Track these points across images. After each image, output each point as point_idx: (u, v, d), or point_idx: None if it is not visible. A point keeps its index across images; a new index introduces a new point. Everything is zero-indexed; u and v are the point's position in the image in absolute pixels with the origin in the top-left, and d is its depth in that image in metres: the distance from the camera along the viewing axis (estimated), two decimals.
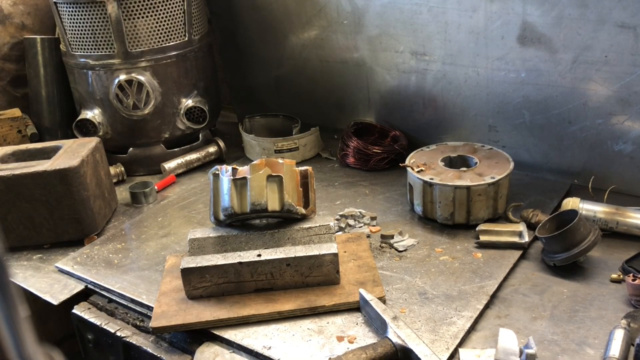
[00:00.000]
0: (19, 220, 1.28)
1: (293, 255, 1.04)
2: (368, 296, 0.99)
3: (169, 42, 1.51)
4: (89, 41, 1.47)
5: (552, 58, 1.31)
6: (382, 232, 1.24)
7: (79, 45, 1.51)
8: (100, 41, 1.46)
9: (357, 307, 1.02)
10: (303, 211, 1.08)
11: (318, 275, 1.05)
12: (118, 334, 1.09)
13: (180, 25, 1.52)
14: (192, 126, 1.61)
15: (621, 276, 1.05)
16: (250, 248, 1.08)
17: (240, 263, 1.03)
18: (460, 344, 0.92)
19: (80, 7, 1.42)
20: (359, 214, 1.32)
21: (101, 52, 1.48)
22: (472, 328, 0.97)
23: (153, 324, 1.00)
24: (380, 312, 0.95)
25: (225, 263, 1.03)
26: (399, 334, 0.91)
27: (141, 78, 1.49)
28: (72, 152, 1.32)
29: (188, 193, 1.52)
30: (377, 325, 0.97)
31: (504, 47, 1.36)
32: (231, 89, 1.96)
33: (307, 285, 1.06)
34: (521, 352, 0.85)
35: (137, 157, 1.63)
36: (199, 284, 1.04)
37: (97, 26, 1.44)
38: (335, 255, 1.04)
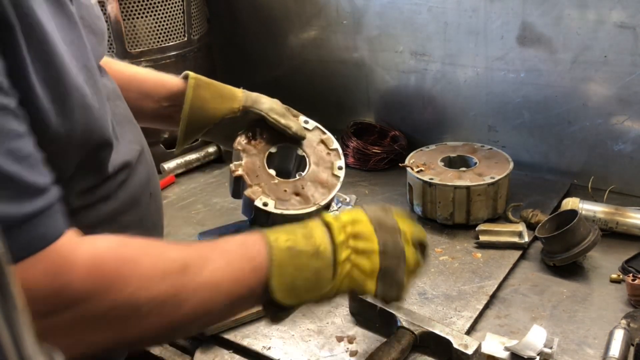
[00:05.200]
0: None
1: None
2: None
3: (168, 42, 1.51)
4: None
5: (551, 58, 1.31)
6: None
7: None
8: None
9: None
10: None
11: None
12: None
13: (180, 25, 1.52)
14: None
15: (621, 276, 1.05)
16: None
17: None
18: None
19: None
20: None
21: None
22: (471, 328, 0.97)
23: None
24: (382, 306, 0.95)
25: None
26: (411, 320, 0.91)
27: None
28: None
29: (187, 193, 1.51)
30: (377, 320, 0.96)
31: (504, 47, 1.36)
32: None
33: None
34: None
35: None
36: None
37: None
38: None
